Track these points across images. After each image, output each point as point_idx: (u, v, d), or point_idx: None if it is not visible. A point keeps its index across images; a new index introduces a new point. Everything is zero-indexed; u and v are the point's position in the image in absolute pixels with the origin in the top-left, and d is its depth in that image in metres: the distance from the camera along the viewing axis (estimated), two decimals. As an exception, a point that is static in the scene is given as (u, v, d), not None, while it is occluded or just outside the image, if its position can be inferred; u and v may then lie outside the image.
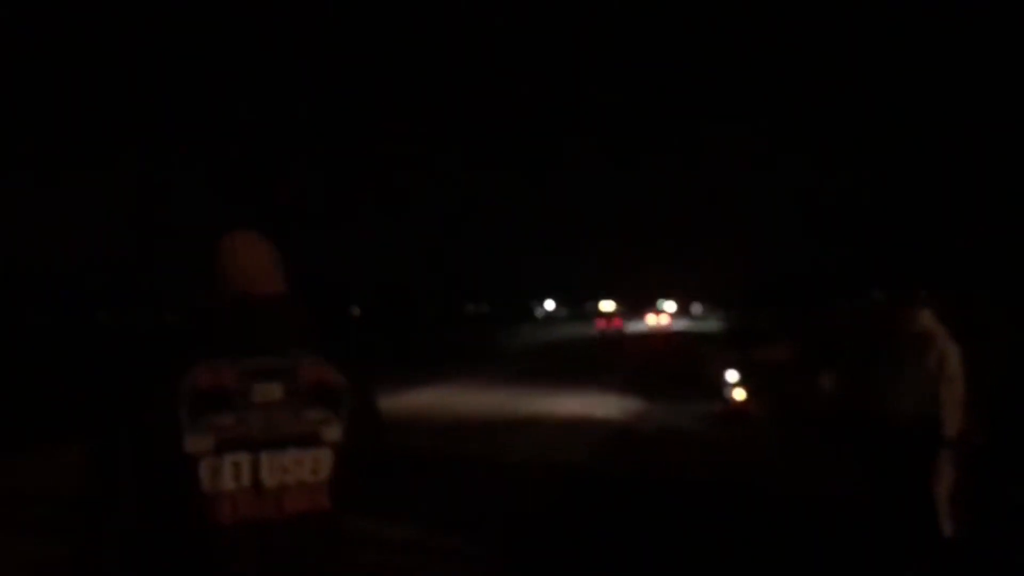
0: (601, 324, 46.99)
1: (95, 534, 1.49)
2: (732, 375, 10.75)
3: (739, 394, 10.49)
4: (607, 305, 53.02)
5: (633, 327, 49.96)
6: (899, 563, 4.27)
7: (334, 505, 1.58)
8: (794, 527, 5.23)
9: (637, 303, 67.71)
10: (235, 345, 1.55)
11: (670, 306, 75.38)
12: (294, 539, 1.52)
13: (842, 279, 27.01)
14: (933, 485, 4.25)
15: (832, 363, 8.80)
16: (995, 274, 14.55)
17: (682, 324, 59.20)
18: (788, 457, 7.53)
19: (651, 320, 56.29)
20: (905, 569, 4.25)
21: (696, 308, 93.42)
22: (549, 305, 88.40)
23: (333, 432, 1.59)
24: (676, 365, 19.63)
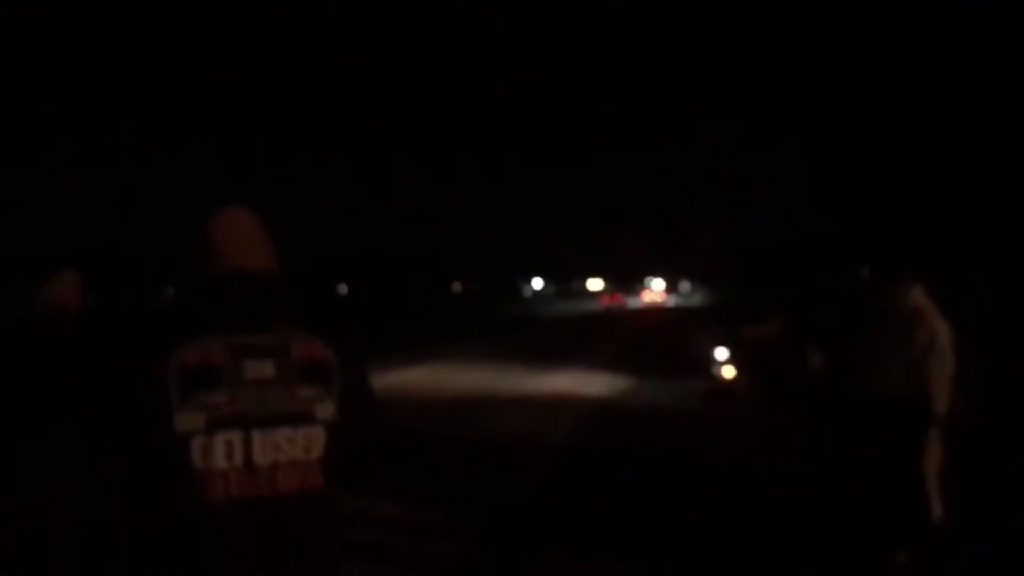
0: (605, 301, 50.95)
1: (85, 515, 1.47)
2: (721, 353, 10.79)
3: (728, 371, 10.53)
4: (595, 284, 55.66)
5: (632, 303, 53.30)
6: (888, 542, 4.29)
7: (327, 483, 1.57)
8: (783, 506, 5.26)
9: (627, 281, 69.51)
10: (226, 321, 1.53)
11: (659, 284, 75.77)
12: (287, 517, 1.51)
13: (830, 256, 27.14)
14: (922, 463, 4.26)
15: (820, 341, 8.81)
16: (983, 250, 14.64)
17: (671, 301, 61.20)
18: (777, 435, 7.57)
19: (647, 297, 61.74)
20: (894, 549, 4.27)
21: (684, 286, 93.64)
22: (537, 284, 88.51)
23: (326, 410, 1.58)
24: (666, 342, 19.71)
